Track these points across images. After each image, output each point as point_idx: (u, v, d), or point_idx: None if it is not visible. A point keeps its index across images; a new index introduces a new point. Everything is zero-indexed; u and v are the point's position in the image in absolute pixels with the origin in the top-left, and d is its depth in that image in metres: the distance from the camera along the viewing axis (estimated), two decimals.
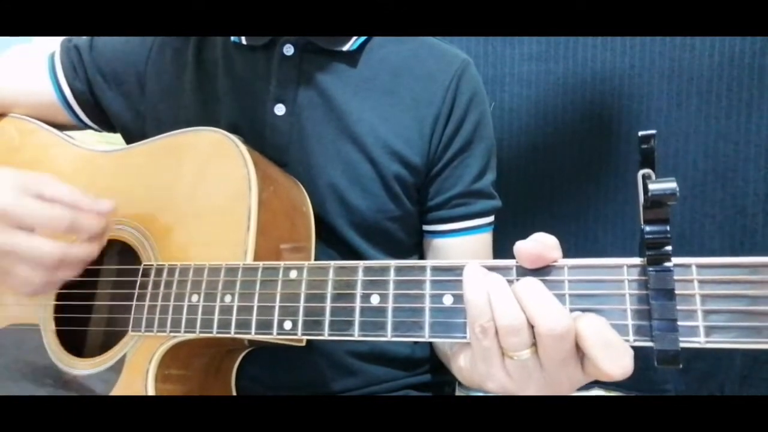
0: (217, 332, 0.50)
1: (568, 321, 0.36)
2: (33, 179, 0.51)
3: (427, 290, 0.43)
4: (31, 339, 0.61)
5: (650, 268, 0.37)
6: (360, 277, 0.45)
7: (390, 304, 0.44)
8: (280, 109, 0.67)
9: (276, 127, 0.67)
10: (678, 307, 0.36)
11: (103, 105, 0.75)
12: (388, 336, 0.43)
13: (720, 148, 0.93)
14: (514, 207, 0.99)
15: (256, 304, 0.48)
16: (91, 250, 0.53)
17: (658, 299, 0.36)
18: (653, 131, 0.36)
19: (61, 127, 0.75)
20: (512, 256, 0.41)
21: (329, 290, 0.46)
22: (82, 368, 0.58)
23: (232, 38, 0.70)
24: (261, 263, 0.50)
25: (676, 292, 0.36)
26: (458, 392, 0.84)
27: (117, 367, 0.55)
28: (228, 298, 0.50)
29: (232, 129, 0.65)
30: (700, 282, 0.36)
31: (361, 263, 0.45)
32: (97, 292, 0.64)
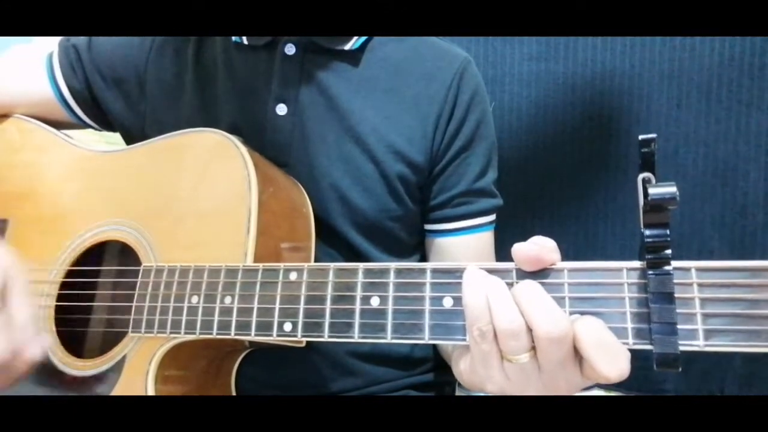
0: (217, 333, 0.50)
1: (566, 324, 0.36)
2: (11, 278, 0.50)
3: (427, 292, 0.43)
4: None
5: (650, 272, 0.37)
6: (360, 279, 0.45)
7: (390, 306, 0.44)
8: (281, 109, 0.67)
9: (278, 126, 0.67)
10: (677, 311, 0.36)
11: (102, 105, 0.75)
12: (388, 338, 0.43)
13: (720, 148, 0.92)
14: (514, 207, 0.99)
15: (256, 305, 0.48)
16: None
17: (657, 303, 0.36)
18: (653, 135, 0.36)
19: (61, 125, 0.75)
20: (512, 257, 0.41)
21: (329, 292, 0.46)
22: (82, 369, 0.58)
23: (233, 38, 0.69)
24: (261, 265, 0.50)
25: (676, 295, 0.36)
26: (458, 392, 0.84)
27: (117, 368, 0.55)
28: (228, 300, 0.50)
29: (233, 129, 0.65)
30: (700, 285, 0.37)
31: (361, 265, 0.45)
32: (97, 293, 0.64)
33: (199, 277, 0.52)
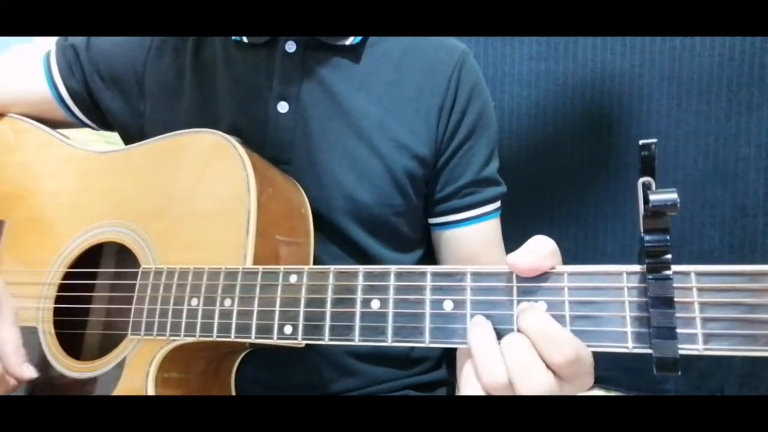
0: (217, 336, 0.50)
1: (550, 383, 0.37)
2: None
3: (428, 296, 0.43)
4: (30, 342, 0.60)
5: (650, 276, 0.37)
6: (360, 282, 0.45)
7: (390, 310, 0.43)
8: (283, 107, 0.67)
9: (279, 124, 0.67)
10: (677, 315, 0.36)
11: (100, 104, 0.75)
12: (389, 341, 0.43)
13: (720, 148, 0.92)
14: (514, 207, 0.99)
15: (256, 308, 0.48)
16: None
17: (657, 307, 0.36)
18: (654, 140, 0.36)
19: (59, 125, 0.75)
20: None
21: (329, 295, 0.46)
22: (81, 371, 0.58)
23: (233, 36, 0.69)
24: (261, 267, 0.50)
25: (676, 299, 0.36)
26: (458, 392, 0.84)
27: (117, 370, 0.55)
28: (228, 302, 0.50)
29: (234, 128, 0.65)
30: (699, 290, 0.36)
31: (362, 268, 0.45)
32: (96, 295, 0.64)
33: (198, 279, 0.52)
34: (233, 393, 0.64)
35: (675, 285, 0.37)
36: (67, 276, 0.62)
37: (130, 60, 0.73)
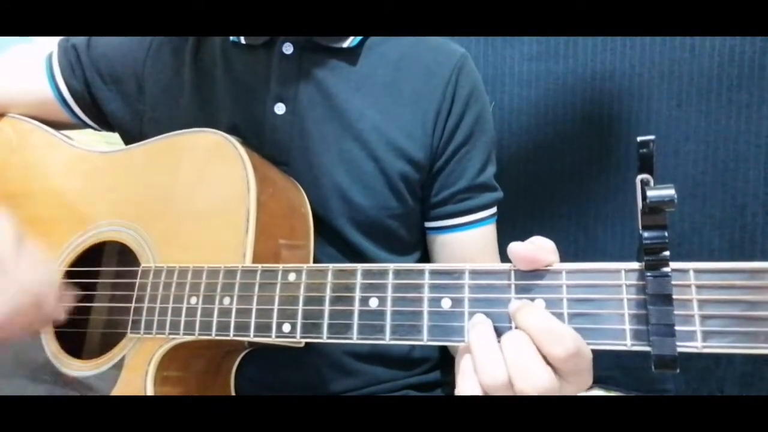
0: (216, 334, 0.50)
1: (550, 380, 0.37)
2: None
3: (426, 294, 0.43)
4: (29, 340, 0.61)
5: (648, 273, 0.37)
6: (359, 280, 0.45)
7: (388, 308, 0.44)
8: (280, 108, 0.67)
9: (277, 126, 0.67)
10: (675, 312, 0.36)
11: (101, 104, 0.75)
12: (387, 339, 0.43)
13: (720, 148, 0.92)
14: (514, 207, 0.99)
15: (254, 306, 0.48)
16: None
17: (655, 304, 0.36)
18: (652, 137, 0.36)
19: (60, 125, 0.75)
20: (509, 256, 0.41)
21: (328, 293, 0.46)
22: (81, 369, 0.58)
23: (231, 37, 0.69)
24: (260, 266, 0.50)
25: (674, 296, 0.36)
26: (456, 386, 0.84)
27: (116, 369, 0.55)
28: (227, 301, 0.50)
29: (232, 128, 0.65)
30: (698, 287, 0.36)
31: (360, 266, 0.45)
32: (96, 293, 0.64)
33: (197, 277, 0.52)
34: (233, 393, 0.64)
35: (673, 282, 0.36)
36: (67, 275, 0.62)
37: (130, 60, 0.73)
